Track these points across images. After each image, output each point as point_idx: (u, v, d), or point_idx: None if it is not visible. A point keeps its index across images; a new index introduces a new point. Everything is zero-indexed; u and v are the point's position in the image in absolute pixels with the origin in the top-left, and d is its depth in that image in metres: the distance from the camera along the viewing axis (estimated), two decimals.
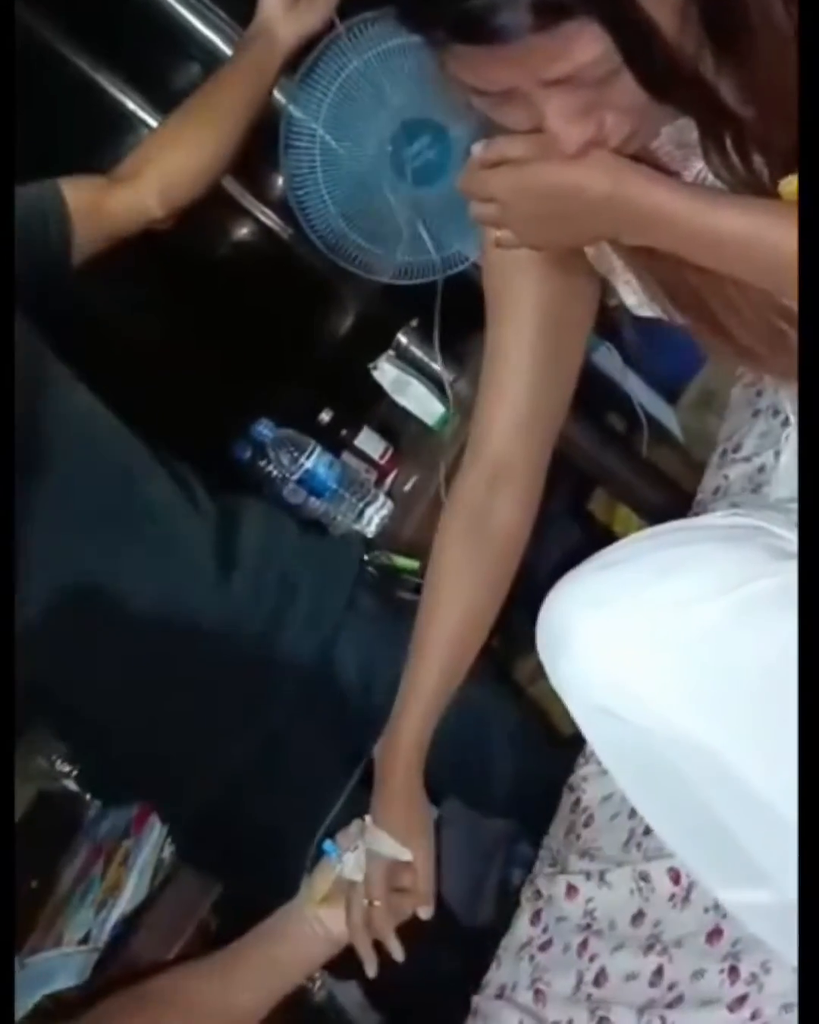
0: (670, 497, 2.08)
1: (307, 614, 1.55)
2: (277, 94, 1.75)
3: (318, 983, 1.68)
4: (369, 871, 1.35)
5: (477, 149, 0.99)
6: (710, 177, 0.97)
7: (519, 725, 1.64)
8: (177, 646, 1.48)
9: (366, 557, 1.68)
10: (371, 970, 1.35)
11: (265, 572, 1.55)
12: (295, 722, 1.52)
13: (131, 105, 2.21)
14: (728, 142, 0.93)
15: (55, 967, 1.53)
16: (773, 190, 0.92)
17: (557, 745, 1.55)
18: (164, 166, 1.60)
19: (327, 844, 1.39)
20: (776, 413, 1.69)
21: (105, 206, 1.56)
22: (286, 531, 1.65)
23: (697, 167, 0.98)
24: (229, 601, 1.51)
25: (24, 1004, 1.46)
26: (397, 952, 1.35)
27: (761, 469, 1.68)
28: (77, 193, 1.55)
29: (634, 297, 1.09)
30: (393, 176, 1.74)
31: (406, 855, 1.34)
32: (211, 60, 2.07)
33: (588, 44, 0.83)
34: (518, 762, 1.64)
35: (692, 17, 0.86)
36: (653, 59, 0.85)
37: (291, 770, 1.52)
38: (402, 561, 1.74)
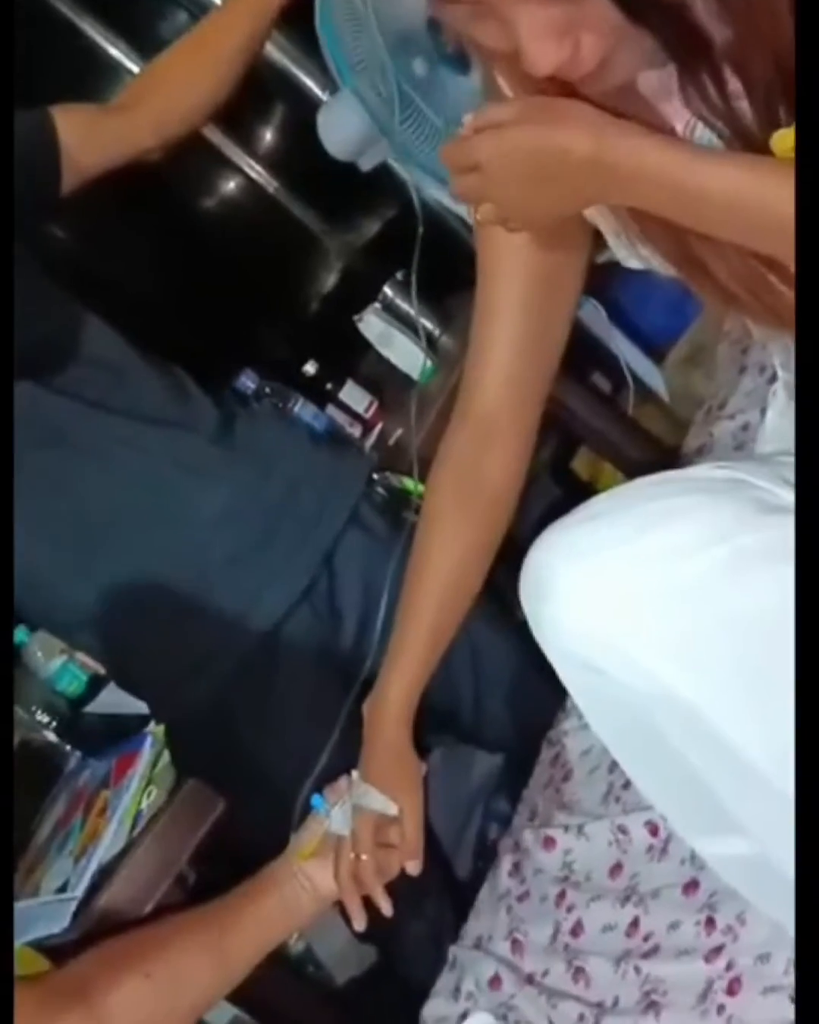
0: (654, 455, 2.08)
1: (309, 517, 1.55)
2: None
3: (296, 935, 1.69)
4: (356, 826, 1.34)
5: (467, 119, 0.98)
6: (699, 127, 0.96)
7: (517, 666, 1.63)
8: (171, 536, 1.49)
9: (375, 476, 1.67)
10: (360, 924, 1.35)
11: (270, 469, 1.55)
12: (290, 629, 1.52)
13: (116, 53, 2.19)
14: (703, 71, 0.90)
15: (33, 915, 1.53)
16: (755, 130, 0.90)
17: (553, 692, 1.54)
18: (159, 98, 1.61)
19: (315, 798, 1.39)
20: (763, 370, 1.69)
21: (96, 133, 1.57)
22: (297, 436, 1.66)
23: (686, 118, 0.96)
24: (229, 494, 1.52)
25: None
26: (385, 907, 1.34)
27: (745, 427, 1.68)
28: (68, 120, 1.56)
29: (623, 248, 1.08)
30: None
31: (394, 810, 1.34)
32: (198, 9, 2.05)
33: None
34: (512, 704, 1.65)
35: None
36: None
37: (282, 684, 1.52)
38: (411, 483, 1.73)
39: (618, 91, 0.93)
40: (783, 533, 0.91)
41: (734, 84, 0.91)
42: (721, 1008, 1.11)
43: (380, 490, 1.67)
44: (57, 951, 1.52)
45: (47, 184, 1.54)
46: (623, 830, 1.34)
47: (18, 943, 1.49)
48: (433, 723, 1.41)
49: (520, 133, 0.93)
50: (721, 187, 0.88)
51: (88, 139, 1.56)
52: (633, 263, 1.08)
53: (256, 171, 2.28)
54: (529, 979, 1.32)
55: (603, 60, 0.88)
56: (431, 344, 2.02)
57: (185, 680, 1.51)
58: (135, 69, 2.16)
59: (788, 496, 0.98)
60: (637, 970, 1.21)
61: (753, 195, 0.87)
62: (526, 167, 0.94)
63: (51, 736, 1.81)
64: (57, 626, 1.64)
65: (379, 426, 2.00)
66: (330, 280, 2.32)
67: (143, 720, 1.71)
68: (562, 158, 0.92)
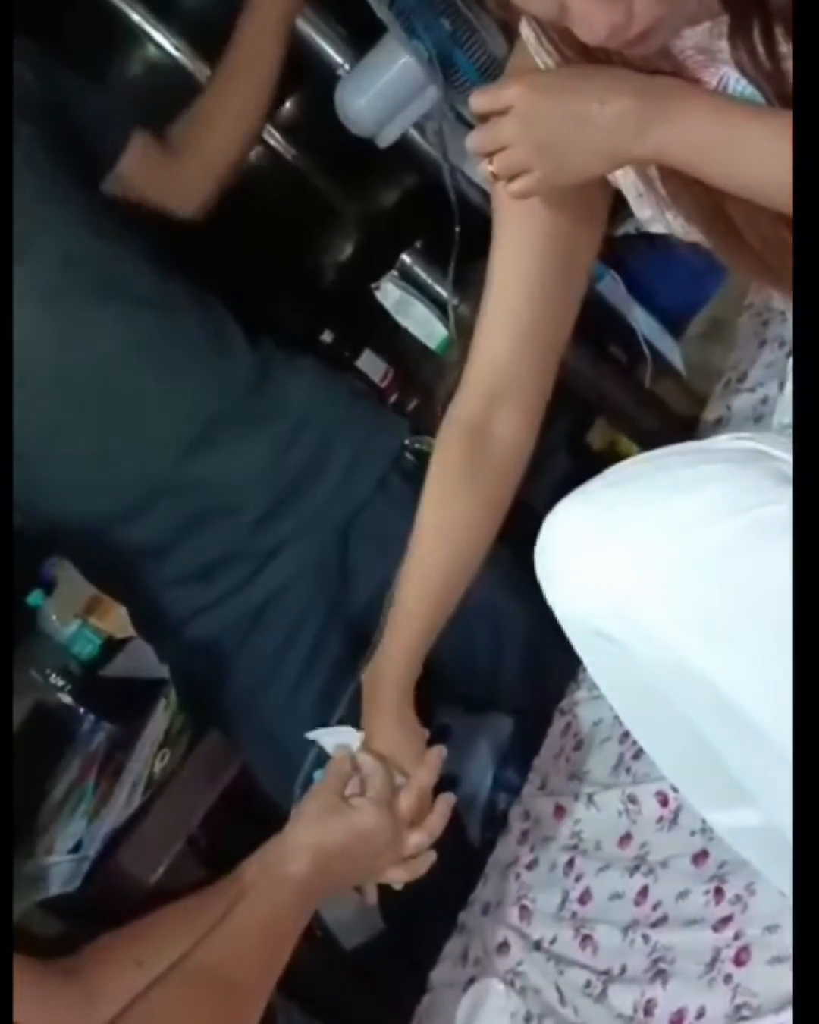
0: (670, 428, 2.08)
1: (339, 478, 1.55)
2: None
3: None
4: None
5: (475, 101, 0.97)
6: (731, 85, 0.95)
7: (536, 633, 1.60)
8: (197, 482, 1.50)
9: (407, 440, 1.65)
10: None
11: (305, 424, 1.55)
12: (302, 586, 1.53)
13: (135, 17, 2.17)
14: (755, 26, 0.90)
15: (46, 875, 1.55)
16: None
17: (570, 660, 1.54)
18: (206, 151, 1.67)
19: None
20: (782, 344, 1.68)
21: (150, 176, 1.63)
22: (337, 392, 1.65)
23: (719, 74, 0.96)
24: (262, 446, 1.52)
25: (17, 909, 1.48)
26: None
27: (764, 400, 1.67)
28: (139, 149, 1.62)
29: (648, 211, 1.07)
30: None
31: (400, 780, 1.31)
32: None
33: None
34: (528, 671, 1.64)
35: None
36: None
37: (285, 643, 1.53)
38: None
39: (654, 53, 0.93)
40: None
41: (784, 47, 0.90)
42: (728, 977, 1.11)
43: (409, 456, 1.65)
44: (67, 911, 1.54)
45: (100, 166, 1.60)
46: (633, 800, 1.34)
47: (32, 902, 1.50)
48: (446, 687, 1.41)
49: (559, 79, 0.94)
50: (759, 136, 0.88)
51: (140, 173, 1.62)
52: (656, 227, 1.07)
53: (275, 139, 2.27)
54: (537, 946, 1.33)
55: (655, 22, 0.88)
56: (448, 313, 2.01)
57: (189, 622, 1.53)
58: (153, 32, 2.15)
59: None
60: (645, 938, 1.21)
61: (788, 147, 0.86)
62: (564, 112, 0.94)
63: (66, 699, 1.82)
64: (85, 566, 1.66)
65: (395, 395, 2.00)
66: (348, 249, 2.32)
67: (158, 684, 1.73)
68: (602, 102, 0.92)
